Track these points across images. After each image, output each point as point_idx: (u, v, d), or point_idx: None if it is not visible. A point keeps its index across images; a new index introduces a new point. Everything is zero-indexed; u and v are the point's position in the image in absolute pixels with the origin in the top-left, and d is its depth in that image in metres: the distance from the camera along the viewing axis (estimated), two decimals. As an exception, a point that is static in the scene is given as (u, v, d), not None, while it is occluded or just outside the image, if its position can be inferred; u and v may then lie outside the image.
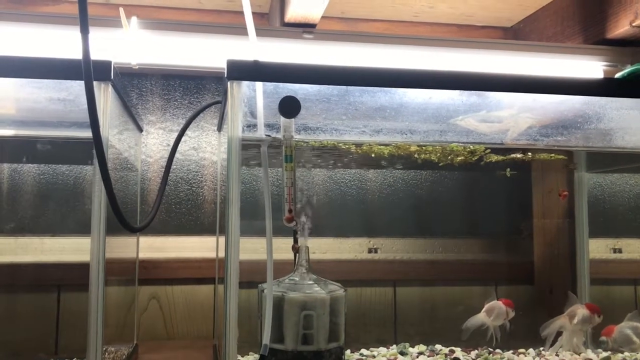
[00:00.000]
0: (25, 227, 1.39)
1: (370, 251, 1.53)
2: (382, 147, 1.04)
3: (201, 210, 1.48)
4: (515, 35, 1.59)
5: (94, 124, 0.69)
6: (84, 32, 0.67)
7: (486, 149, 1.08)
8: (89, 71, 0.67)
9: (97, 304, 0.85)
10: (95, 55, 0.73)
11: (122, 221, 0.80)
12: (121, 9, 0.99)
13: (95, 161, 0.77)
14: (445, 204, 1.58)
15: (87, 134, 1.04)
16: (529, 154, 1.16)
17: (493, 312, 1.15)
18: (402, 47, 1.21)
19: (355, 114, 1.02)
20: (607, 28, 1.24)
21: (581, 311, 1.14)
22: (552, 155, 1.17)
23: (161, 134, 1.48)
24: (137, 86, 1.47)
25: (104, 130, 0.83)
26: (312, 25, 1.19)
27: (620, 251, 1.62)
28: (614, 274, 1.57)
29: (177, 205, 1.47)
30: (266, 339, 0.92)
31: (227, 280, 0.86)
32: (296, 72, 0.88)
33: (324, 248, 1.50)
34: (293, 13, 1.14)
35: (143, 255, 1.38)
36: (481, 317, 1.16)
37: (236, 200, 0.86)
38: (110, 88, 0.85)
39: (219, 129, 1.41)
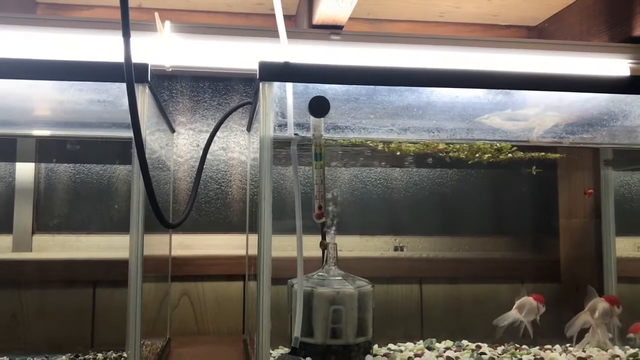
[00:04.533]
0: (61, 225, 1.44)
1: (396, 249, 1.55)
2: (410, 145, 1.06)
3: (230, 208, 1.51)
4: (540, 34, 1.59)
5: (136, 125, 0.72)
6: (126, 35, 0.70)
7: (512, 146, 1.09)
8: (130, 74, 0.70)
9: (136, 299, 0.88)
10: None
11: (160, 218, 0.84)
12: (156, 14, 1.02)
13: (135, 160, 0.80)
14: (471, 201, 1.59)
15: (123, 134, 1.08)
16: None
17: (524, 308, 1.15)
18: (428, 47, 1.23)
19: (382, 112, 1.04)
20: (633, 26, 1.24)
21: (601, 305, 1.14)
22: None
23: (191, 134, 1.52)
24: (167, 88, 1.51)
25: (143, 131, 0.86)
26: (340, 27, 1.21)
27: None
28: (641, 272, 1.56)
29: (207, 204, 1.51)
30: (297, 332, 0.94)
31: (260, 275, 0.88)
32: (326, 73, 0.90)
33: (350, 246, 1.53)
34: (321, 15, 1.17)
35: (174, 252, 1.42)
36: (513, 314, 1.16)
37: (268, 198, 0.88)
38: (147, 90, 0.89)
39: (249, 129, 1.44)
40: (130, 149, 0.86)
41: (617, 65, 1.28)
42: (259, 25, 1.47)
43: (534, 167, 1.21)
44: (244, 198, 1.51)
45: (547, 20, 1.55)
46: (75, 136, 1.12)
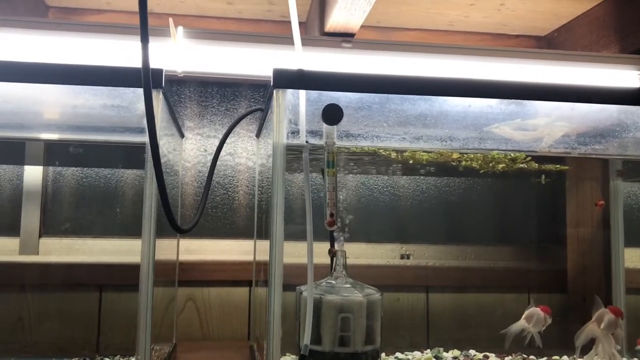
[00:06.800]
0: (68, 229, 1.44)
1: (402, 257, 1.54)
2: (423, 153, 1.06)
3: (237, 214, 1.51)
4: (549, 44, 1.60)
5: (152, 131, 0.72)
6: (144, 41, 0.70)
7: (527, 156, 1.09)
8: (148, 79, 0.70)
9: (146, 304, 0.87)
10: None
11: (172, 222, 0.83)
12: (170, 20, 1.03)
13: (149, 165, 0.80)
14: (477, 210, 1.59)
15: (133, 138, 1.08)
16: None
17: (532, 318, 1.16)
18: (437, 55, 1.23)
19: (395, 121, 1.04)
20: (644, 38, 1.25)
21: (607, 316, 1.14)
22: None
23: (199, 139, 1.52)
24: (175, 93, 1.52)
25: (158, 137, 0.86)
26: (351, 35, 1.21)
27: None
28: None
29: (214, 209, 1.51)
30: (307, 339, 0.94)
31: (271, 282, 0.88)
32: (340, 81, 0.90)
33: (356, 253, 1.52)
34: (334, 23, 1.17)
35: (180, 257, 1.42)
36: (521, 323, 1.17)
37: (280, 204, 0.88)
38: (161, 95, 0.89)
39: (258, 135, 1.44)
40: (142, 153, 0.86)
41: (627, 77, 1.28)
42: (269, 32, 1.47)
43: (543, 177, 1.21)
44: (251, 203, 1.51)
45: (557, 30, 1.55)
46: (87, 140, 1.12)
